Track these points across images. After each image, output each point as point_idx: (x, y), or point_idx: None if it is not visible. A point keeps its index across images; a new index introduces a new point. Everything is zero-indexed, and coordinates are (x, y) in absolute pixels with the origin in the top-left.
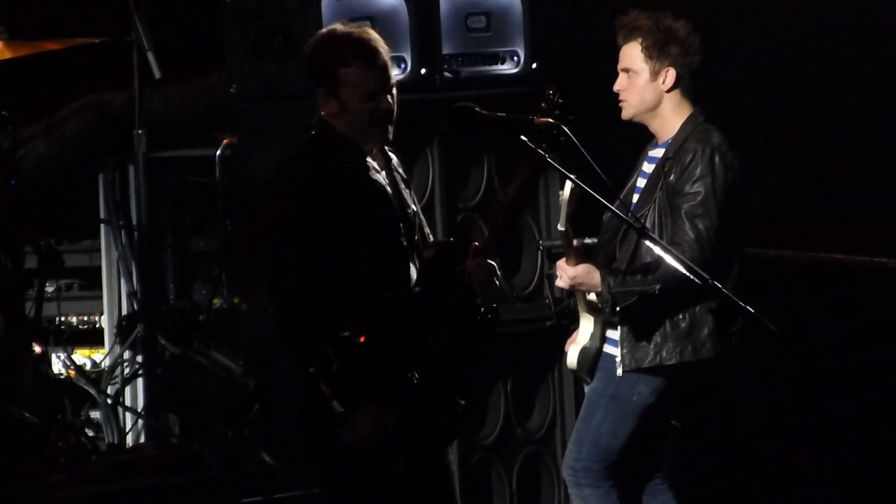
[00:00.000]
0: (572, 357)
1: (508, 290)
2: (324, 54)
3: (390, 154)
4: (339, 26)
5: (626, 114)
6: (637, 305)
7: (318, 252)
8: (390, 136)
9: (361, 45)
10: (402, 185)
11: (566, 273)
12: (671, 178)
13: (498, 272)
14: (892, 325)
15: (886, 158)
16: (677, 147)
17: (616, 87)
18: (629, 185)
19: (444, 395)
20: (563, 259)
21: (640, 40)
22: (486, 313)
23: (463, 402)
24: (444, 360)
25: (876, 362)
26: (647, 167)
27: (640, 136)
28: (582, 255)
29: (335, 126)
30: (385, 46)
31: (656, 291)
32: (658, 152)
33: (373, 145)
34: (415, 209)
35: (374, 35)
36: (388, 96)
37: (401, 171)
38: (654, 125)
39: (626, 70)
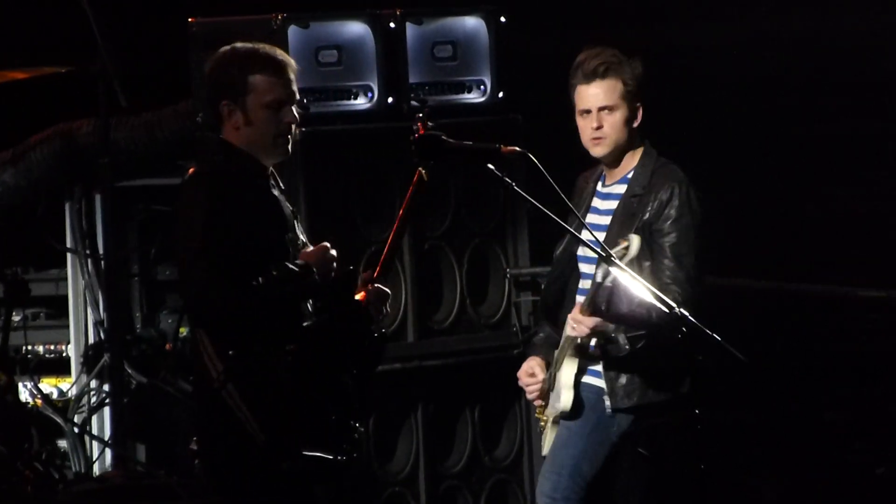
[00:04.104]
0: (566, 401)
1: (476, 318)
2: (231, 64)
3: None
4: (241, 43)
5: (604, 151)
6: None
7: (227, 269)
8: (290, 150)
9: (270, 56)
10: (283, 197)
11: (585, 323)
12: (646, 216)
13: (389, 297)
14: (857, 353)
15: (850, 188)
16: (644, 183)
17: (596, 124)
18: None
19: (347, 422)
20: (578, 308)
21: (620, 78)
22: (378, 339)
23: (360, 427)
24: (348, 390)
25: (841, 391)
26: (602, 203)
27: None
28: (595, 306)
29: (236, 144)
30: (294, 64)
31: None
32: (615, 188)
33: (273, 159)
34: (295, 221)
35: (281, 52)
36: (293, 108)
37: (279, 181)
38: (620, 161)
39: (606, 108)
